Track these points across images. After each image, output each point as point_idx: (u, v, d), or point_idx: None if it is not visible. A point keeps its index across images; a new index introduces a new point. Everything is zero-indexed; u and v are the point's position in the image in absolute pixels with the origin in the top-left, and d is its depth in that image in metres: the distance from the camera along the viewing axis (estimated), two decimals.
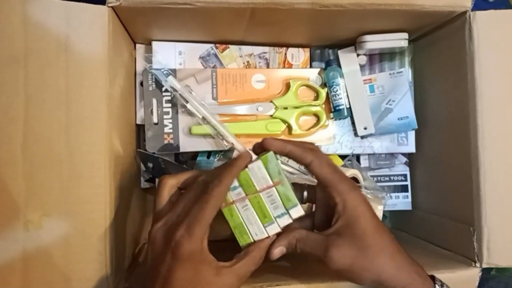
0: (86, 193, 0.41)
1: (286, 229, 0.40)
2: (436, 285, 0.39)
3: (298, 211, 0.39)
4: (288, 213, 0.39)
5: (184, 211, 0.37)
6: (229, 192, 0.39)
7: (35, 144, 0.40)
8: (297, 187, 0.45)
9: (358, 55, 0.60)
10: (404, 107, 0.60)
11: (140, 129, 0.60)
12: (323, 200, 0.43)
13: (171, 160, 0.58)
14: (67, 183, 0.41)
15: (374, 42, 0.57)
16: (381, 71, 0.62)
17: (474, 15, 0.47)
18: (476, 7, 0.48)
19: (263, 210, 0.39)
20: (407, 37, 0.57)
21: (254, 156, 0.41)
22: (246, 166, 0.39)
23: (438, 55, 0.56)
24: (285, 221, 0.39)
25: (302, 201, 0.44)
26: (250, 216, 0.39)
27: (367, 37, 0.56)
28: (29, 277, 0.40)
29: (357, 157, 0.64)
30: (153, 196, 0.62)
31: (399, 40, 0.56)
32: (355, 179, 0.58)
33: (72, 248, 0.41)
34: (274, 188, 0.39)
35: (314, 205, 0.45)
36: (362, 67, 0.61)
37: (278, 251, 0.40)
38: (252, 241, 0.40)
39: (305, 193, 0.45)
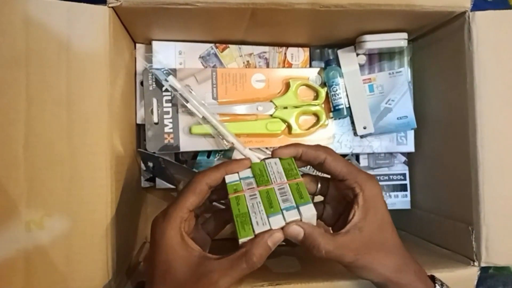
0: (88, 193, 0.41)
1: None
2: (436, 285, 0.39)
3: (310, 209, 0.37)
4: (298, 209, 0.37)
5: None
6: (241, 181, 0.39)
7: (37, 144, 0.40)
8: (311, 179, 0.44)
9: (357, 54, 0.60)
10: (403, 106, 0.60)
11: (140, 129, 0.61)
12: (336, 196, 0.43)
13: (171, 160, 0.59)
14: (68, 183, 0.41)
15: (374, 42, 0.57)
16: (381, 71, 0.62)
17: (473, 15, 0.48)
18: (475, 7, 0.48)
19: (271, 201, 0.37)
20: (406, 37, 0.57)
21: (256, 160, 0.41)
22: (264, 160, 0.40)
23: (437, 55, 0.56)
24: (293, 216, 0.36)
25: (315, 193, 0.44)
26: (255, 204, 0.37)
27: (367, 37, 0.57)
28: (31, 277, 0.40)
29: (357, 157, 0.64)
30: (153, 195, 0.63)
31: (399, 40, 0.57)
32: None
33: (73, 248, 0.41)
34: (287, 184, 0.39)
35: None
36: (361, 66, 0.62)
37: (296, 230, 0.36)
38: (252, 235, 0.36)
39: (319, 185, 0.44)
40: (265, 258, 0.35)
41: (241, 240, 0.36)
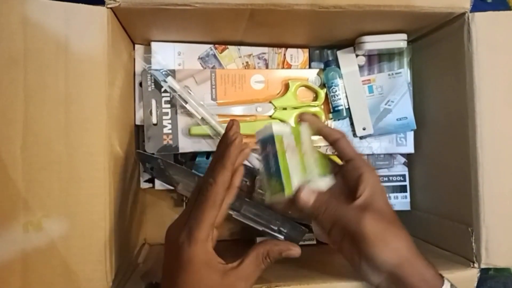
0: (86, 194, 0.41)
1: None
2: (446, 280, 0.40)
3: (330, 180, 0.42)
4: (323, 178, 0.41)
5: (187, 214, 0.37)
6: (284, 137, 0.40)
7: (35, 145, 0.40)
8: (324, 156, 0.46)
9: (357, 55, 0.60)
10: (403, 107, 0.60)
11: (139, 130, 0.60)
12: (344, 175, 0.44)
13: (170, 161, 0.58)
14: (66, 184, 0.41)
15: (373, 43, 0.57)
16: (380, 72, 0.62)
17: (472, 16, 0.48)
18: (475, 7, 0.48)
19: (305, 166, 0.40)
20: (405, 38, 0.57)
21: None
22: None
23: (437, 56, 0.56)
24: (319, 183, 0.40)
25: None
26: (294, 165, 0.39)
27: (366, 38, 0.57)
28: (29, 278, 0.40)
29: None
30: (152, 196, 0.63)
31: (398, 41, 0.57)
32: None
33: (72, 249, 0.41)
34: (315, 153, 0.42)
35: None
36: (361, 67, 0.61)
37: (308, 194, 0.39)
38: (291, 194, 0.39)
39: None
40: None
41: (287, 195, 0.39)
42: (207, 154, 0.60)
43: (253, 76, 0.58)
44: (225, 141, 0.38)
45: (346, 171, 0.44)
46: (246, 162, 0.60)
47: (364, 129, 0.60)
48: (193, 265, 0.34)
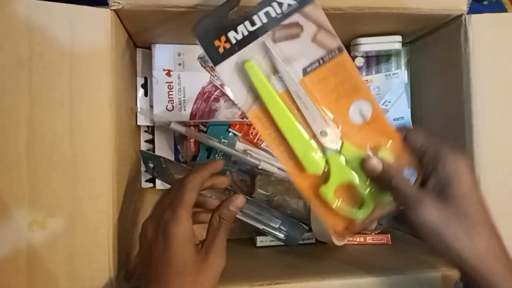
0: (90, 193, 0.42)
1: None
2: None
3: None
4: None
5: (168, 201, 0.40)
6: None
7: (39, 145, 0.40)
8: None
9: (355, 57, 0.61)
10: (400, 108, 0.61)
11: (140, 130, 0.61)
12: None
13: (172, 160, 0.59)
14: (71, 183, 0.41)
15: (368, 44, 0.57)
16: (378, 72, 0.62)
17: (469, 18, 0.48)
18: (471, 9, 0.49)
19: None
20: (400, 40, 0.57)
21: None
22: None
23: (434, 57, 0.57)
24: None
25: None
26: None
27: (362, 40, 0.57)
28: (34, 277, 0.40)
29: None
30: (153, 195, 0.63)
31: (393, 42, 0.57)
32: None
33: (75, 248, 0.41)
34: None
35: None
36: (359, 68, 0.62)
37: (377, 162, 0.38)
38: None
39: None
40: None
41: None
42: (208, 153, 0.61)
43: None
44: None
45: (424, 166, 0.38)
46: (246, 161, 0.60)
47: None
48: (178, 240, 0.37)
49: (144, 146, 0.62)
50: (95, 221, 0.42)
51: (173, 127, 0.57)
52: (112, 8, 0.43)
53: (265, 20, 0.37)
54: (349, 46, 0.59)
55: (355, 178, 0.40)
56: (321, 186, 0.39)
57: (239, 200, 0.40)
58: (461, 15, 0.49)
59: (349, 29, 0.55)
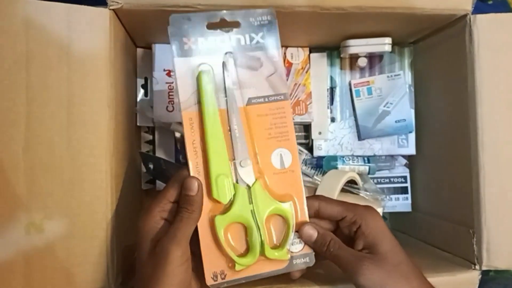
0: (88, 195, 0.41)
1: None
2: None
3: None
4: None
5: None
6: None
7: (37, 146, 0.40)
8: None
9: (341, 59, 0.62)
10: (402, 110, 0.60)
11: (140, 131, 0.61)
12: (342, 230, 0.43)
13: (172, 161, 0.59)
14: (68, 185, 0.41)
15: (357, 46, 0.57)
16: (381, 73, 0.62)
17: (474, 18, 0.48)
18: (475, 9, 0.48)
19: None
20: (390, 42, 0.56)
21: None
22: None
23: (439, 57, 0.56)
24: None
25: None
26: None
27: (351, 42, 0.57)
28: (31, 279, 0.40)
29: None
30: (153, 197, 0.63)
31: (382, 44, 0.56)
32: (353, 182, 0.58)
33: (73, 250, 0.41)
34: None
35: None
36: (362, 69, 0.62)
37: (310, 230, 0.40)
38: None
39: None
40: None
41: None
42: None
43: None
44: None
45: (343, 229, 0.42)
46: None
47: (319, 133, 0.61)
48: (141, 230, 0.38)
49: (144, 147, 0.61)
50: (93, 223, 0.42)
51: (173, 127, 0.57)
52: (111, 7, 0.42)
53: (234, 44, 0.41)
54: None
55: (252, 223, 0.39)
56: (218, 215, 0.39)
57: (188, 181, 0.37)
58: (466, 15, 0.48)
59: (354, 29, 0.55)
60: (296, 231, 0.41)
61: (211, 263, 0.39)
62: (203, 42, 0.40)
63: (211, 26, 0.40)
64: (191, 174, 0.39)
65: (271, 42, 0.41)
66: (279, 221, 0.41)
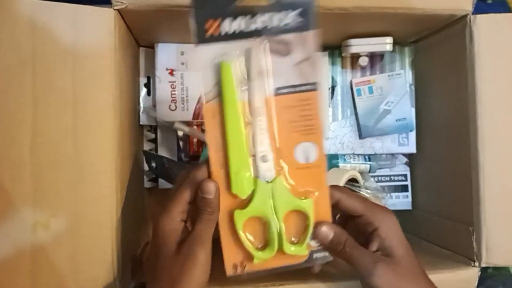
0: (93, 194, 0.42)
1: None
2: None
3: None
4: None
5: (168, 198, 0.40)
6: None
7: (43, 146, 0.40)
8: None
9: (342, 58, 0.62)
10: (402, 108, 0.61)
11: (143, 129, 0.61)
12: (358, 227, 0.43)
13: (175, 160, 0.59)
14: (74, 184, 0.41)
15: (358, 46, 0.57)
16: (382, 72, 0.62)
17: (474, 18, 0.48)
18: (476, 9, 0.49)
19: None
20: (391, 41, 0.57)
21: None
22: None
23: (439, 57, 0.57)
24: None
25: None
26: None
27: (352, 41, 0.57)
28: (38, 277, 0.40)
29: None
30: (156, 195, 0.63)
31: (384, 44, 0.57)
32: (354, 180, 0.59)
33: (79, 249, 0.41)
34: None
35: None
36: (363, 68, 0.62)
37: (327, 230, 0.40)
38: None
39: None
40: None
41: None
42: None
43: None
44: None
45: (358, 225, 0.42)
46: None
47: None
48: (162, 232, 0.38)
49: (146, 146, 0.62)
50: (98, 221, 0.42)
51: (176, 126, 0.57)
52: (116, 8, 0.42)
53: (265, 24, 0.36)
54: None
55: (272, 217, 0.39)
56: (237, 210, 0.38)
57: (206, 185, 0.37)
58: (466, 15, 0.48)
59: (355, 29, 0.55)
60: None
61: (231, 255, 0.40)
62: (229, 26, 0.36)
63: (236, 9, 0.36)
64: (212, 168, 0.38)
65: (304, 24, 0.36)
66: (299, 217, 0.40)
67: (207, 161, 0.39)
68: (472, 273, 0.48)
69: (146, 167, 0.60)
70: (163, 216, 0.38)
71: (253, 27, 0.36)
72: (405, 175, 0.65)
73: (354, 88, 0.62)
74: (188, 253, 0.37)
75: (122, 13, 0.44)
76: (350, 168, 0.61)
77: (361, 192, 0.58)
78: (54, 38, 0.41)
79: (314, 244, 0.40)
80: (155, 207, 0.63)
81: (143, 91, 0.59)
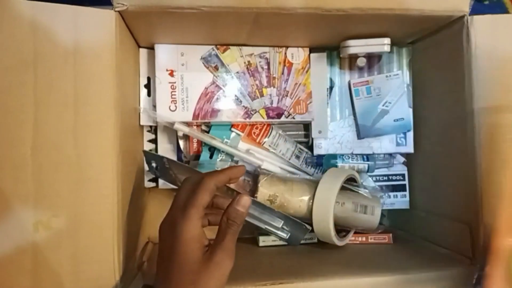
0: (94, 194, 0.42)
1: None
2: None
3: None
4: None
5: (182, 202, 0.41)
6: None
7: (44, 146, 0.41)
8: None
9: (341, 58, 0.62)
10: (400, 109, 0.61)
11: (143, 130, 0.61)
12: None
13: (175, 160, 0.59)
14: (75, 184, 0.41)
15: (356, 47, 0.57)
16: (380, 73, 0.63)
17: (471, 19, 0.48)
18: (472, 10, 0.49)
19: None
20: (389, 42, 0.57)
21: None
22: None
23: (437, 57, 0.57)
24: None
25: None
26: None
27: (350, 42, 0.57)
28: (39, 277, 0.40)
29: None
30: (156, 195, 0.64)
31: (382, 45, 0.57)
32: (353, 180, 0.59)
33: (80, 248, 0.42)
34: None
35: None
36: (361, 69, 0.63)
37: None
38: None
39: None
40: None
41: None
42: (211, 153, 0.61)
43: None
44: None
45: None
46: (249, 161, 0.61)
47: (319, 132, 0.62)
48: (184, 238, 0.38)
49: (147, 146, 0.62)
50: (99, 221, 0.42)
51: (176, 127, 0.58)
52: (117, 9, 0.43)
53: None
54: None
55: None
56: None
57: (244, 199, 0.41)
58: (463, 16, 0.49)
59: (353, 30, 0.55)
60: None
61: None
62: None
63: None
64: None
65: None
66: None
67: (226, 169, 0.42)
68: (469, 272, 0.48)
69: (146, 167, 0.60)
70: (185, 221, 0.39)
71: None
72: (403, 175, 0.65)
73: (352, 89, 0.62)
74: (218, 262, 0.38)
75: (122, 15, 0.45)
76: (348, 168, 0.61)
77: (359, 192, 0.58)
78: (55, 39, 0.41)
79: None
80: (155, 207, 0.64)
81: (143, 91, 0.60)
